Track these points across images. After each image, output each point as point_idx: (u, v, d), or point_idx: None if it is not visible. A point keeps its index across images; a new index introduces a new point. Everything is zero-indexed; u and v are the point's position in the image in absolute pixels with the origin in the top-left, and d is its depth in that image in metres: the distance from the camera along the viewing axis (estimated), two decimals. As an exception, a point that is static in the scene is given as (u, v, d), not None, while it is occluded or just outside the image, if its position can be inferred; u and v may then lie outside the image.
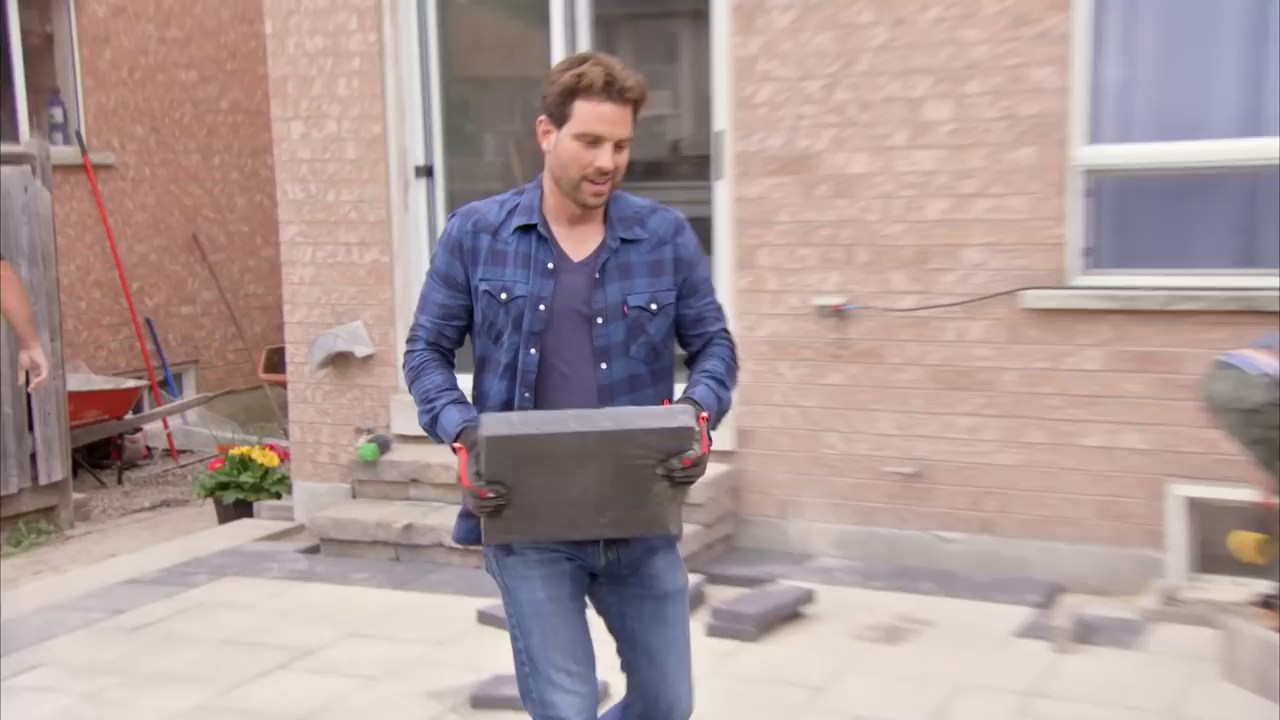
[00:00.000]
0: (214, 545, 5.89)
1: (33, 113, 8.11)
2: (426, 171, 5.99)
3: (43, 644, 4.59)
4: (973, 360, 5.15)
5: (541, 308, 2.26)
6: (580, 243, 2.28)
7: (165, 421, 8.14)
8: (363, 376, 6.13)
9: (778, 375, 5.46)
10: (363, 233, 5.95)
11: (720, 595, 4.77)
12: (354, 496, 5.88)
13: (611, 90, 2.13)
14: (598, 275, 2.25)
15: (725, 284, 5.51)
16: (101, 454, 7.71)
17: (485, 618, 4.65)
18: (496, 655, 4.22)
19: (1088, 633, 4.56)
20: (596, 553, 2.29)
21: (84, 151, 8.07)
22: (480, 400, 2.34)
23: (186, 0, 8.90)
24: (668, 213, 2.36)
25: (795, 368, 5.45)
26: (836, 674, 4.21)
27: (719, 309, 2.43)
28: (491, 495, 2.08)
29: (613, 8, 6.28)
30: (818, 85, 5.13)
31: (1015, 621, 4.58)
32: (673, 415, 2.12)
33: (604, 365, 2.26)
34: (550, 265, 2.27)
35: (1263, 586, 4.30)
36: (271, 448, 6.62)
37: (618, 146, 2.17)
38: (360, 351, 5.97)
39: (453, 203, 6.39)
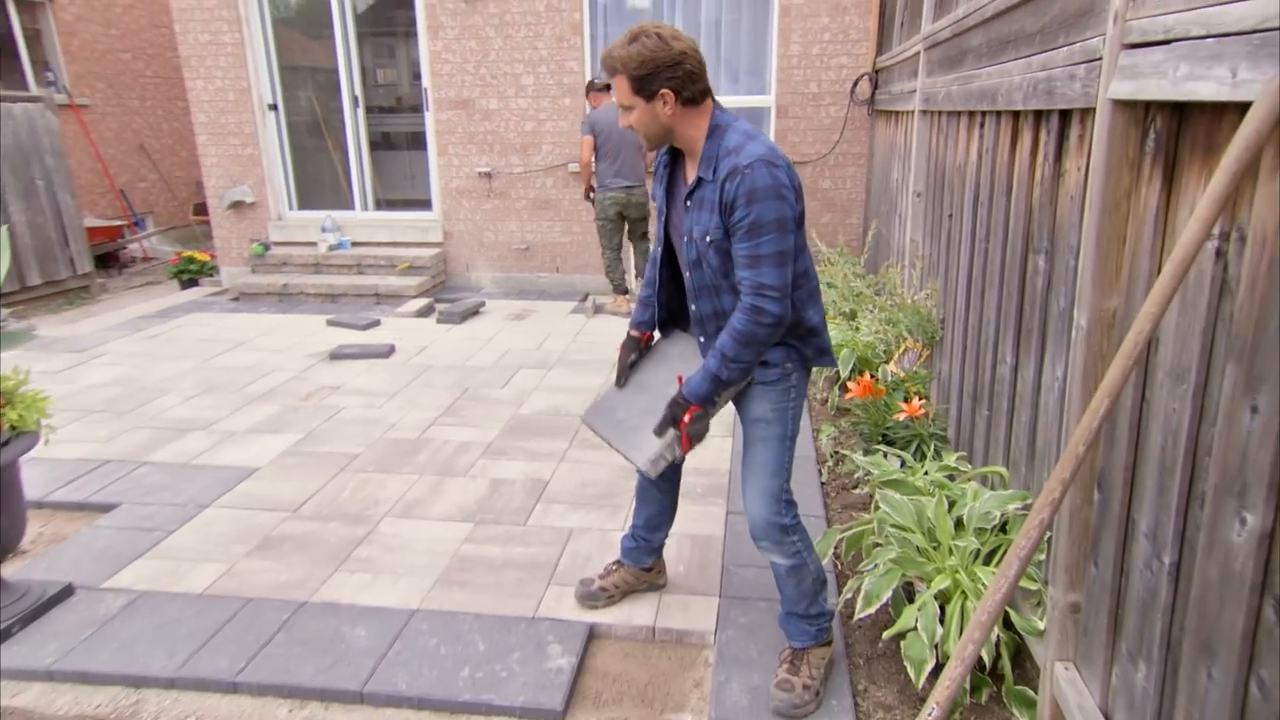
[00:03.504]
0: (181, 300, 7.06)
1: (35, 75, 8.73)
2: (273, 108, 7.23)
3: (102, 344, 5.48)
4: (549, 196, 6.73)
5: (659, 214, 2.16)
6: (692, 171, 2.06)
7: (141, 244, 9.17)
8: (251, 214, 7.36)
9: (461, 206, 6.92)
10: (242, 139, 7.21)
11: (441, 306, 6.14)
12: (253, 273, 7.15)
13: (604, 70, 1.97)
14: (687, 203, 2.03)
15: (434, 165, 6.95)
16: (108, 259, 8.58)
17: (332, 323, 5.83)
18: (339, 337, 5.48)
19: (596, 311, 6.22)
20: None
21: (70, 97, 8.86)
22: None
23: (119, 11, 9.50)
24: (736, 157, 1.90)
25: (470, 201, 6.84)
26: (497, 333, 5.53)
27: (753, 260, 1.90)
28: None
29: (368, 29, 7.23)
30: (472, 65, 6.62)
31: (570, 307, 6.26)
32: (644, 454, 2.03)
33: (688, 274, 2.10)
34: (665, 181, 2.13)
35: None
36: (204, 252, 7.88)
37: (626, 110, 1.98)
38: (248, 199, 7.20)
39: (292, 126, 7.18)
